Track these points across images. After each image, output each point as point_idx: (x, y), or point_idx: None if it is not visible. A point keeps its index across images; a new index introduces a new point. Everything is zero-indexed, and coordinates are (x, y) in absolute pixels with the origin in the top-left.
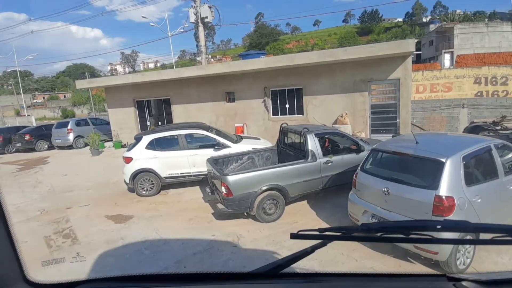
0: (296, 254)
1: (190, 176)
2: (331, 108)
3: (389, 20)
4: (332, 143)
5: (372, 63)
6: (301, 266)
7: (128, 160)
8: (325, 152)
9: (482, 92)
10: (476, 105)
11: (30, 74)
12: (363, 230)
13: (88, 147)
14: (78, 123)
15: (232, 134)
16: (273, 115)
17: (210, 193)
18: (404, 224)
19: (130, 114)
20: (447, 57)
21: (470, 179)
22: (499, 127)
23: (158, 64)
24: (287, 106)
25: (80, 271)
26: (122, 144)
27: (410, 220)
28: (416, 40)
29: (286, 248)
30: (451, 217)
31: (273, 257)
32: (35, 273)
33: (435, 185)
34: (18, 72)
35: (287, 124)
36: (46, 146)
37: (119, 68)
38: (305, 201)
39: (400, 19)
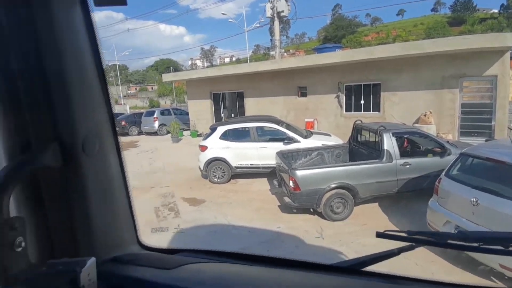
0: (381, 253)
1: (259, 167)
2: (412, 105)
3: (483, 10)
4: (412, 143)
5: (465, 56)
6: (373, 269)
7: (203, 148)
8: (403, 153)
9: None
10: None
11: (126, 68)
12: (459, 238)
13: (169, 135)
14: (162, 113)
15: (302, 129)
16: (346, 111)
17: (277, 186)
18: (506, 236)
19: (207, 106)
20: None
21: None
22: None
23: (234, 59)
24: (362, 102)
25: (179, 241)
26: (198, 133)
27: (510, 232)
28: None
29: (353, 249)
30: None
31: (338, 257)
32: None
33: None
34: (117, 66)
35: (361, 121)
36: (136, 131)
37: (199, 62)
38: (377, 204)
39: (496, 10)
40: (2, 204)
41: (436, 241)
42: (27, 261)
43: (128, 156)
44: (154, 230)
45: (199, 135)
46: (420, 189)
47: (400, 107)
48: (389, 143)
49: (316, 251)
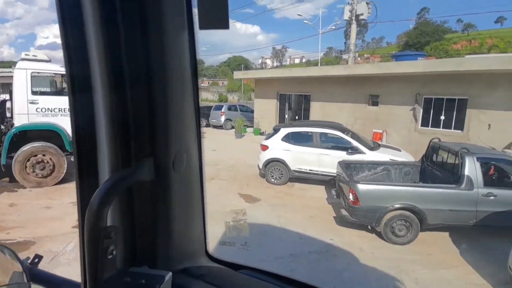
0: None
1: (318, 174)
2: (506, 128)
3: None
4: (501, 172)
5: None
6: None
7: (264, 148)
8: (488, 182)
9: None
10: None
11: (203, 63)
12: None
13: (233, 130)
14: (229, 108)
15: (369, 140)
16: (421, 126)
17: (335, 196)
18: None
19: (272, 106)
20: None
21: None
22: None
23: (304, 60)
24: (442, 118)
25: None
26: (261, 131)
27: None
28: None
29: (413, 280)
30: None
31: (396, 284)
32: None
33: None
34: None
35: (439, 140)
36: (204, 123)
37: (269, 61)
38: (447, 233)
39: None
40: (103, 214)
41: None
42: (115, 267)
43: None
44: (222, 243)
45: (261, 133)
46: (504, 226)
47: (490, 128)
48: (472, 168)
49: (370, 273)
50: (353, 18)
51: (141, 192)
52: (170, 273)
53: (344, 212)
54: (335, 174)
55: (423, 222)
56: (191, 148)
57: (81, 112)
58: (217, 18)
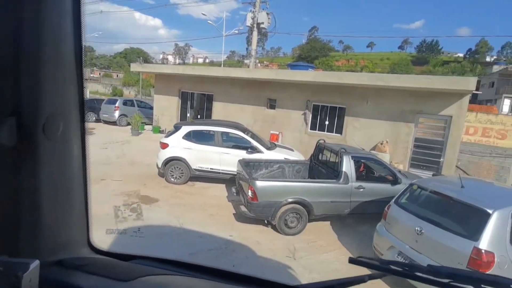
0: (350, 279)
1: (219, 173)
2: (372, 133)
3: (448, 53)
4: (368, 169)
5: (424, 95)
6: None
7: (164, 146)
8: (359, 177)
9: None
10: None
11: (92, 50)
12: (430, 272)
13: (129, 126)
14: (125, 103)
15: (267, 140)
16: (310, 129)
17: (235, 194)
18: (476, 276)
19: (173, 103)
20: (507, 102)
21: None
22: None
23: (207, 60)
24: (326, 123)
25: (134, 246)
26: (161, 129)
27: (482, 273)
28: (477, 79)
29: (301, 265)
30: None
31: (287, 271)
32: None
33: (475, 236)
34: (83, 46)
35: (324, 141)
36: (94, 118)
37: (171, 58)
38: (329, 222)
39: (461, 55)
40: None
41: (406, 272)
42: None
43: None
44: (109, 232)
45: (161, 132)
46: (369, 213)
47: (360, 133)
48: (348, 166)
49: (266, 264)
50: (255, 25)
51: None
52: (37, 261)
53: (243, 208)
54: (236, 173)
55: (310, 213)
56: (70, 113)
57: None
58: None
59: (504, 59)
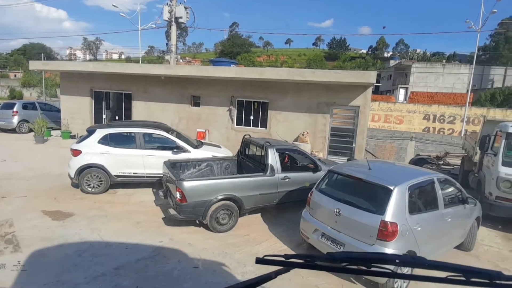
0: (259, 278)
1: (144, 177)
2: (294, 125)
3: (354, 50)
4: (292, 159)
5: (336, 88)
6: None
7: (76, 153)
8: (284, 168)
9: (429, 128)
10: (423, 139)
11: None
12: (327, 259)
13: (32, 133)
14: (25, 106)
15: (193, 139)
16: (237, 125)
17: (163, 197)
18: (367, 256)
19: (85, 104)
20: (402, 92)
21: (413, 208)
22: (441, 162)
23: (123, 56)
24: (251, 117)
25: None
26: (72, 134)
27: (372, 252)
28: (377, 73)
29: (235, 260)
30: (394, 242)
31: (221, 268)
32: None
33: (382, 210)
34: None
35: (250, 136)
36: None
37: (79, 53)
38: (259, 214)
39: (364, 51)
40: None
41: (308, 263)
42: None
43: None
44: None
45: (72, 137)
46: (296, 201)
47: (283, 125)
48: (273, 158)
49: (200, 265)
50: (173, 20)
51: None
52: None
53: (172, 211)
54: (162, 175)
55: (241, 208)
56: None
57: None
58: None
59: (398, 54)
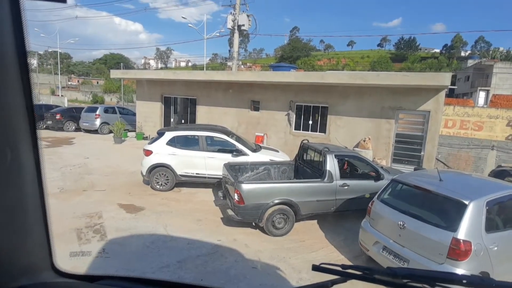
0: (314, 285)
1: (205, 177)
2: (354, 130)
3: (426, 49)
4: (351, 166)
5: (403, 91)
6: None
7: (148, 153)
8: (343, 175)
9: None
10: (506, 149)
11: (69, 57)
12: (388, 274)
13: (112, 134)
14: (106, 110)
15: (252, 142)
16: (295, 129)
17: (222, 198)
18: (431, 275)
19: (156, 109)
20: (482, 95)
21: (491, 226)
22: None
23: (190, 64)
24: (310, 122)
25: (103, 266)
26: (144, 136)
27: (437, 271)
28: (452, 74)
29: (290, 265)
30: (466, 262)
31: (276, 272)
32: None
33: (454, 227)
34: (58, 53)
35: (308, 141)
36: (73, 127)
37: (152, 62)
38: (315, 221)
39: (438, 50)
40: None
41: (366, 275)
42: None
43: (61, 154)
44: (73, 255)
45: (144, 138)
46: (355, 210)
47: (343, 131)
48: (331, 164)
49: (254, 266)
50: (235, 27)
51: None
52: None
53: (230, 212)
54: (222, 176)
55: (297, 213)
56: (21, 145)
57: None
58: None
59: (478, 53)
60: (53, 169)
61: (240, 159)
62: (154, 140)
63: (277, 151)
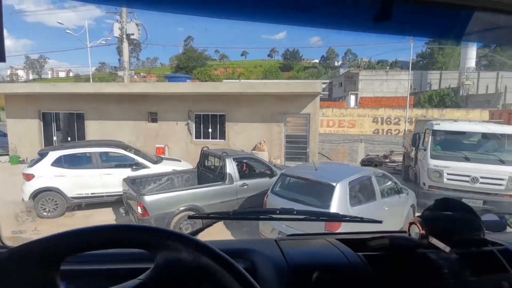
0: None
1: (103, 196)
2: (251, 135)
3: (307, 60)
4: (249, 167)
5: (287, 98)
6: None
7: (29, 177)
8: (242, 176)
9: (378, 129)
10: (371, 141)
11: None
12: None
13: None
14: None
15: (152, 154)
16: (196, 138)
17: (124, 214)
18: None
19: (34, 127)
20: (352, 98)
21: (354, 200)
22: (387, 160)
23: (71, 74)
24: (210, 130)
25: None
26: (21, 159)
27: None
28: (328, 81)
29: None
30: (340, 229)
31: None
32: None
33: (327, 205)
34: None
35: (208, 148)
36: None
37: (21, 73)
38: (221, 222)
39: (317, 60)
40: None
41: (225, 216)
42: None
43: None
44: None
45: (21, 162)
46: (255, 205)
47: (241, 136)
48: (231, 167)
49: None
50: (124, 36)
51: None
52: None
53: None
54: (122, 193)
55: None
56: None
57: None
58: None
59: (347, 63)
60: None
61: (141, 172)
62: (35, 162)
63: (180, 161)
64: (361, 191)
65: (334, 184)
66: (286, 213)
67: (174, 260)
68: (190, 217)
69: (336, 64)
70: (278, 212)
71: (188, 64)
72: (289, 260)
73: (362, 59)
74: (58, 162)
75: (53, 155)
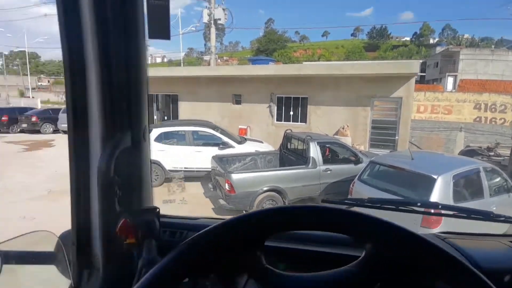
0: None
1: (193, 171)
2: (333, 119)
3: (397, 38)
4: (333, 152)
5: (377, 80)
6: None
7: None
8: (326, 160)
9: (481, 117)
10: (473, 130)
11: (37, 57)
12: (369, 202)
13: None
14: None
15: (236, 135)
16: (277, 120)
17: (212, 189)
18: (396, 201)
19: None
20: (450, 80)
21: (458, 197)
22: (492, 153)
23: (165, 59)
24: (291, 113)
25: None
26: None
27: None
28: (421, 61)
29: None
30: (438, 229)
31: None
32: None
33: (425, 199)
34: (27, 53)
35: (291, 131)
36: (51, 129)
37: None
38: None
39: (408, 38)
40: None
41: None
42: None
43: (43, 156)
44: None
45: None
46: (338, 192)
47: (323, 120)
48: (314, 151)
49: None
50: (212, 22)
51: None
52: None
53: (222, 201)
54: (210, 169)
55: (285, 199)
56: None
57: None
58: (161, 29)
59: (445, 40)
60: (37, 172)
61: (227, 151)
62: None
63: (262, 142)
64: (467, 187)
65: (435, 176)
66: (431, 206)
67: (386, 254)
68: (323, 201)
69: (431, 41)
70: (419, 204)
71: (268, 47)
72: (469, 259)
73: (463, 36)
74: (159, 138)
75: (155, 132)
